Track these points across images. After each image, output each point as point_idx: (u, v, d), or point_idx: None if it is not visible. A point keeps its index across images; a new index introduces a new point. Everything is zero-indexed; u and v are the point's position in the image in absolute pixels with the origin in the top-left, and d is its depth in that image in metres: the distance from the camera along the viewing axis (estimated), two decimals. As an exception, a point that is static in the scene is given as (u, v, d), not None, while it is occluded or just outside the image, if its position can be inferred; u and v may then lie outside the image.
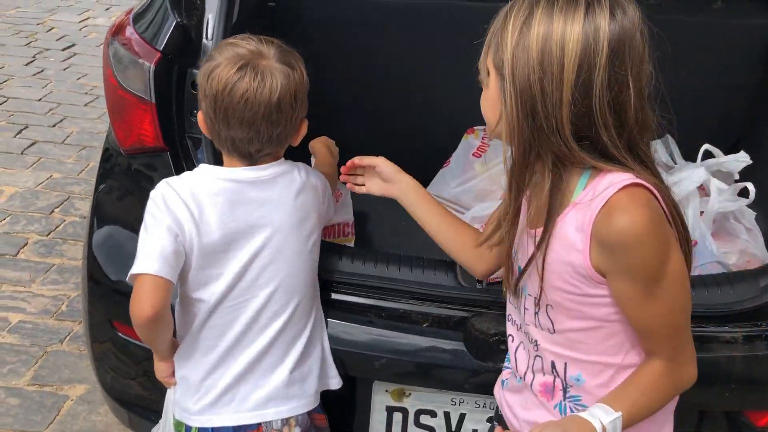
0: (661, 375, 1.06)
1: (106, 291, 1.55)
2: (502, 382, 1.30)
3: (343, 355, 1.42)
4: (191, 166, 1.50)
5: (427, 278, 1.46)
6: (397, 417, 1.50)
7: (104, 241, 1.57)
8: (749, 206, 1.72)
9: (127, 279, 1.25)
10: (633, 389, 1.07)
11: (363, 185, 1.45)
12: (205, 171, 1.31)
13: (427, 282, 1.45)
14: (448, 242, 1.38)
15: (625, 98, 0.98)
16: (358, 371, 1.42)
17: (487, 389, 1.41)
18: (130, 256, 1.53)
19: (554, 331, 1.11)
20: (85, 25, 5.27)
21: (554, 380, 1.14)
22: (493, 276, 1.39)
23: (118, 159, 1.62)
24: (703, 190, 1.76)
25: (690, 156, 1.90)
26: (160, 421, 1.50)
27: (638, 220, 0.98)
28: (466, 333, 1.40)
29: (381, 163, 1.42)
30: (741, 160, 1.73)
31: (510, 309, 1.23)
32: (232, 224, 1.28)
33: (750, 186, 1.69)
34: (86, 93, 4.28)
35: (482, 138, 2.07)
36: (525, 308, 1.15)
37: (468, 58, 2.17)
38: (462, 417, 1.48)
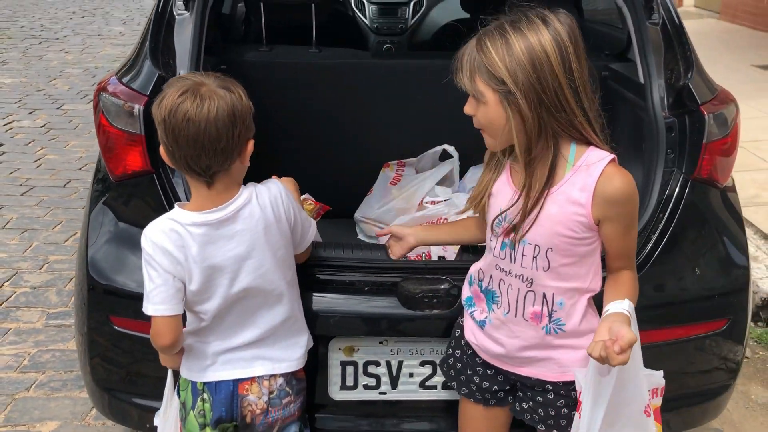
0: (631, 278, 1.54)
1: (105, 293, 1.87)
2: (480, 323, 1.62)
3: (316, 316, 1.79)
4: (171, 185, 1.90)
5: (365, 256, 1.90)
6: (350, 369, 1.87)
7: (99, 251, 1.91)
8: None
9: (144, 311, 1.53)
10: (623, 288, 1.50)
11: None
12: (177, 216, 1.51)
13: (365, 258, 1.88)
14: (463, 238, 1.83)
15: (587, 76, 1.42)
16: (320, 329, 1.79)
17: (417, 333, 1.83)
18: (121, 262, 1.89)
19: (548, 269, 1.48)
20: (11, 128, 5.53)
21: (542, 308, 1.51)
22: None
23: (108, 183, 1.98)
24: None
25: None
26: (162, 406, 1.77)
27: (630, 182, 1.44)
28: (398, 292, 1.82)
29: (392, 229, 1.90)
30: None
31: (496, 262, 1.55)
32: (209, 261, 1.51)
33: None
34: (21, 185, 4.52)
35: (396, 170, 2.57)
36: (523, 255, 1.48)
37: (382, 108, 2.77)
38: (400, 364, 1.87)
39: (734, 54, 7.23)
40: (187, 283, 1.52)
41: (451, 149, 2.47)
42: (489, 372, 1.67)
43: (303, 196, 1.84)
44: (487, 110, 1.43)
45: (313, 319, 1.79)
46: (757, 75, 6.56)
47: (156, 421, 1.79)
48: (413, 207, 2.42)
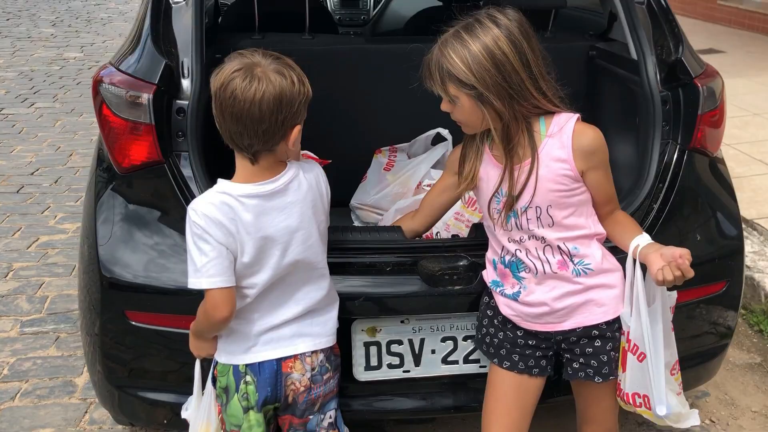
0: (627, 215, 1.75)
1: (119, 288, 1.82)
2: (513, 295, 1.69)
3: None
4: (181, 174, 1.86)
5: (383, 238, 1.91)
6: (373, 350, 1.89)
7: (111, 246, 1.85)
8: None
9: (189, 286, 1.52)
10: (630, 225, 1.68)
11: None
12: (228, 188, 1.51)
13: (384, 240, 1.90)
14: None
15: (541, 61, 1.56)
16: (343, 312, 1.79)
17: (438, 310, 1.86)
18: (136, 255, 1.85)
19: (553, 224, 1.61)
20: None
21: (563, 256, 1.64)
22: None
23: (113, 174, 1.92)
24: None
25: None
26: (191, 397, 1.74)
27: (598, 133, 1.60)
28: (419, 271, 1.85)
29: None
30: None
31: (508, 235, 1.66)
32: (262, 232, 1.52)
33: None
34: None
35: (388, 156, 2.59)
36: (528, 219, 1.61)
37: (374, 94, 2.78)
38: (422, 341, 1.90)
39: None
40: (239, 256, 1.52)
41: (445, 132, 2.51)
42: (531, 342, 1.73)
43: (303, 152, 1.87)
44: (462, 110, 1.57)
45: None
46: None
47: (185, 414, 1.76)
48: (410, 191, 2.45)
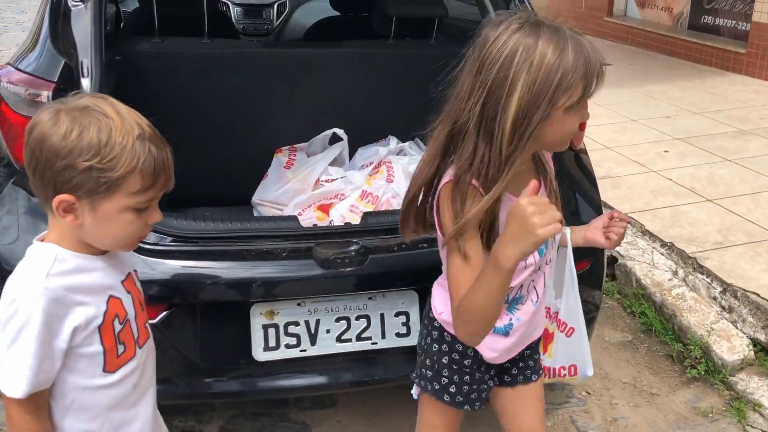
0: None
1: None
2: (504, 329, 1.52)
3: (236, 284, 1.92)
4: None
5: (279, 225, 2.05)
6: (272, 332, 2.02)
7: (9, 238, 1.91)
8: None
9: None
10: None
11: None
12: None
13: (279, 227, 2.04)
14: None
15: None
16: (243, 294, 1.92)
17: (332, 291, 2.01)
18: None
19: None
20: None
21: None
22: None
23: (12, 170, 1.97)
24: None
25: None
26: None
27: None
28: (314, 255, 1.99)
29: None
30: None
31: (530, 270, 1.47)
32: None
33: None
34: None
35: (288, 155, 2.73)
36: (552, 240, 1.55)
37: (272, 96, 2.92)
38: (317, 322, 2.05)
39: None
40: None
41: (340, 132, 2.67)
42: (490, 374, 1.63)
43: None
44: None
45: (235, 286, 1.92)
46: (581, 72, 7.37)
47: None
48: (309, 187, 2.60)
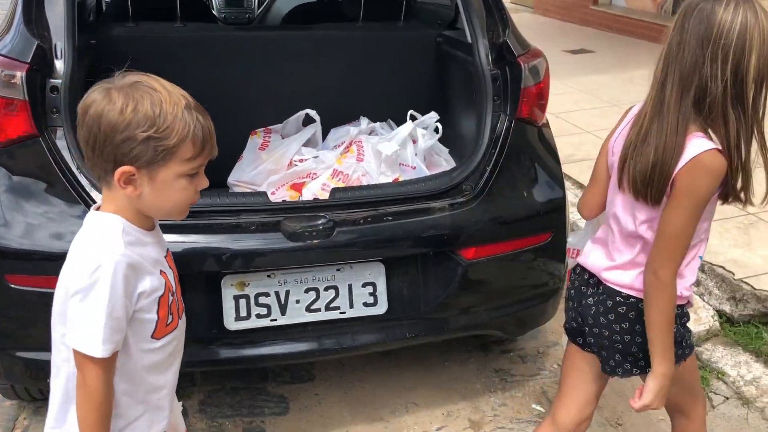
0: None
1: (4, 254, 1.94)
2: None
3: (207, 256, 1.99)
4: (56, 147, 2.01)
5: (248, 201, 2.13)
6: (242, 302, 2.09)
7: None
8: (444, 146, 2.66)
9: None
10: None
11: None
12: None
13: (248, 203, 2.11)
14: None
15: None
16: (214, 266, 1.99)
17: (300, 263, 2.09)
18: (15, 222, 1.98)
19: None
20: None
21: None
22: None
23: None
24: (414, 142, 2.66)
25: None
26: None
27: None
28: (282, 228, 2.07)
29: None
30: (432, 117, 2.67)
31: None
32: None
33: (439, 126, 2.62)
34: None
35: (263, 137, 2.80)
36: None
37: (247, 78, 2.98)
38: (287, 293, 2.12)
39: (547, 42, 8.08)
40: None
41: (313, 113, 2.74)
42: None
43: None
44: None
45: (206, 259, 2.00)
46: (567, 58, 7.47)
47: None
48: (283, 167, 2.67)
